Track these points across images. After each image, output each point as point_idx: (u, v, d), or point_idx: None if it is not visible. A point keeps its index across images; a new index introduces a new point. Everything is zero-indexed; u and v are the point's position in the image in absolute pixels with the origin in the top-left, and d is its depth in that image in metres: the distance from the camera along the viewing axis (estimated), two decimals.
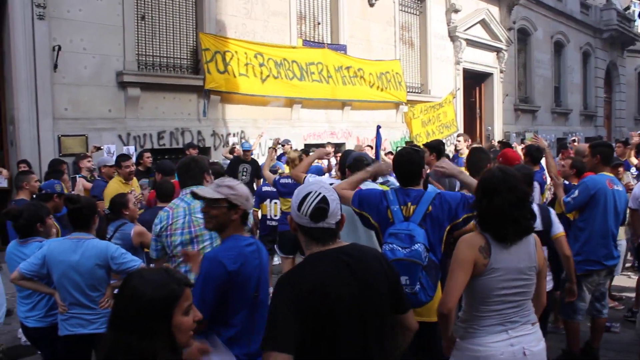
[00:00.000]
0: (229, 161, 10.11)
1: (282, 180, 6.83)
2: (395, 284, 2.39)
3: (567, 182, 5.92)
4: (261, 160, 9.67)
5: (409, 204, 3.57)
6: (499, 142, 13.49)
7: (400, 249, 3.37)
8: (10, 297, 5.49)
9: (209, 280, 2.84)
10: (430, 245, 3.44)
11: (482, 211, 2.92)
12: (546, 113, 24.31)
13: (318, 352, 2.19)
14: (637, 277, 6.88)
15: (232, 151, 10.63)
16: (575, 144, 12.28)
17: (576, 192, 5.11)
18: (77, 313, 3.89)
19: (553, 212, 4.46)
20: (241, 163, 9.76)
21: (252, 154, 10.00)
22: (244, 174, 9.64)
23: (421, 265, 3.38)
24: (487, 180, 2.95)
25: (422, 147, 5.73)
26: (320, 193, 2.25)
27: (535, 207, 3.75)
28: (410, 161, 3.73)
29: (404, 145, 12.53)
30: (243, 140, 11.24)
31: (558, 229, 4.34)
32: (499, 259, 2.82)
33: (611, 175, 5.22)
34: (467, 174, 4.13)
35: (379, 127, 7.65)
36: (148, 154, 9.17)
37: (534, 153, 6.38)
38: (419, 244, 3.37)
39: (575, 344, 5.15)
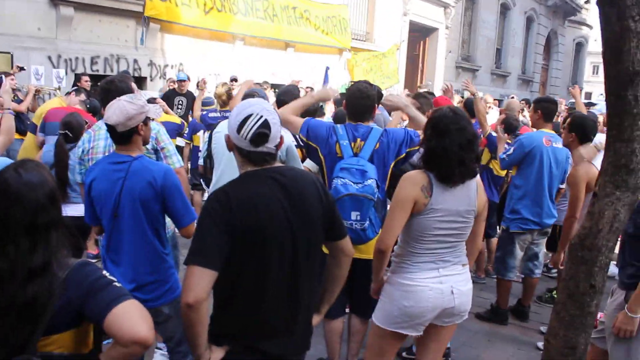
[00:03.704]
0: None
1: (211, 114, 6.69)
2: (331, 209, 2.32)
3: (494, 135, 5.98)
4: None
5: (358, 140, 3.55)
6: (425, 91, 13.66)
7: (352, 184, 3.37)
8: None
9: None
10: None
11: (429, 149, 2.88)
12: (486, 74, 24.69)
13: (247, 270, 2.12)
14: None
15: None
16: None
17: (511, 149, 5.05)
18: None
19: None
20: (177, 95, 9.47)
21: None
22: (180, 106, 9.36)
23: (373, 200, 3.40)
24: (438, 119, 2.88)
25: None
26: (262, 116, 2.12)
27: None
28: (365, 95, 3.67)
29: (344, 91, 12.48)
30: (178, 71, 10.87)
31: None
32: (440, 200, 2.81)
33: (551, 132, 5.11)
34: (414, 108, 4.13)
35: (327, 68, 7.58)
36: (86, 78, 8.96)
37: (470, 106, 6.42)
38: (371, 180, 3.38)
39: (504, 301, 5.20)
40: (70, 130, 4.82)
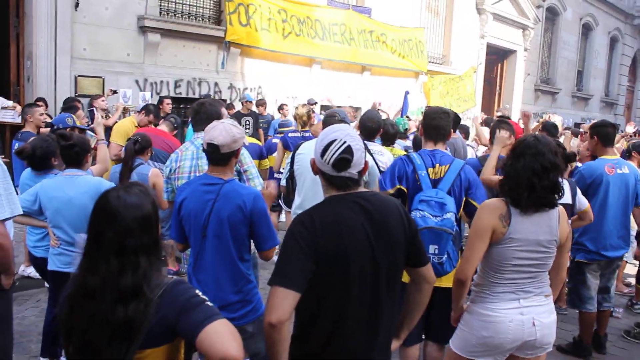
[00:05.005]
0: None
1: (291, 134, 6.78)
2: (414, 236, 2.33)
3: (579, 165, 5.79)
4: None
5: (437, 165, 3.51)
6: (498, 117, 13.36)
7: (431, 217, 3.30)
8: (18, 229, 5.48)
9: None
10: None
11: (504, 172, 2.90)
12: (566, 97, 23.96)
13: (329, 293, 2.15)
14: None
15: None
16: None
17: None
18: (70, 251, 3.74)
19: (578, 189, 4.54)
20: (243, 116, 9.75)
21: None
22: (247, 126, 9.63)
23: (452, 234, 3.33)
24: (517, 144, 2.93)
25: None
26: (345, 142, 2.15)
27: (565, 182, 3.75)
28: (443, 112, 3.68)
29: (420, 115, 12.43)
30: (246, 92, 11.24)
31: (583, 204, 4.44)
32: (518, 229, 2.77)
33: (612, 157, 4.85)
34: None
35: (407, 92, 7.59)
36: (168, 100, 9.32)
37: (550, 129, 6.26)
38: (450, 213, 3.32)
39: (587, 335, 4.94)
40: (141, 138, 5.20)
